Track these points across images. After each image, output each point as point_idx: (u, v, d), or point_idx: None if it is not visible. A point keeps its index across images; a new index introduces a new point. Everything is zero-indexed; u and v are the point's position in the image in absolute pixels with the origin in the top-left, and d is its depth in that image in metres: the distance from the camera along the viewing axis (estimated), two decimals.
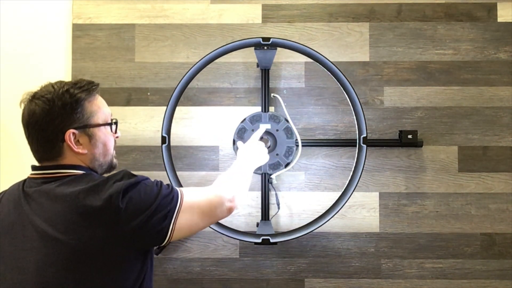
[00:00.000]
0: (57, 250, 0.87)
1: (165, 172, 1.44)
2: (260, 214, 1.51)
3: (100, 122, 1.00)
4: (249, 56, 1.58)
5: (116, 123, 1.05)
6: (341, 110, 1.59)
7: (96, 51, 1.61)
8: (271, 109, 1.56)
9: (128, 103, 1.61)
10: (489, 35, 1.60)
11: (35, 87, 0.99)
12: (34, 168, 0.99)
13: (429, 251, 1.57)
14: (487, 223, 1.57)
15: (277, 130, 1.49)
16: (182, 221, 0.96)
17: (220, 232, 1.43)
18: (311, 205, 1.58)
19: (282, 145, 1.49)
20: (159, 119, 1.51)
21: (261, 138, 1.50)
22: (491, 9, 1.60)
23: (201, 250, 1.58)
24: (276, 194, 1.55)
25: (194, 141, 1.60)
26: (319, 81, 1.60)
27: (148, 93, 1.61)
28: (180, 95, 1.45)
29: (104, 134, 1.01)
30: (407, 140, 1.53)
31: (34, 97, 0.95)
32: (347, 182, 1.44)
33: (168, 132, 1.45)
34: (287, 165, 1.49)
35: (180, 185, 1.45)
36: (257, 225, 1.49)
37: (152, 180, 0.98)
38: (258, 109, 1.55)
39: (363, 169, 1.42)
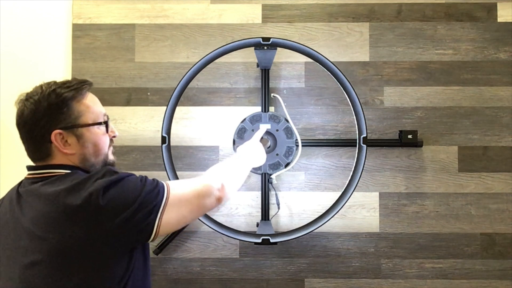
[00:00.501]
0: (41, 249, 0.88)
1: (165, 172, 1.44)
2: (260, 214, 1.51)
3: (89, 121, 0.98)
4: (249, 56, 1.58)
5: (106, 122, 1.02)
6: (341, 110, 1.59)
7: (96, 51, 1.61)
8: (271, 109, 1.56)
9: (128, 103, 1.61)
10: (489, 35, 1.60)
11: (33, 87, 0.99)
12: (28, 168, 1.00)
13: (429, 251, 1.57)
14: (487, 223, 1.57)
15: (277, 130, 1.49)
16: (169, 215, 0.94)
17: (220, 232, 1.43)
18: (311, 205, 1.58)
19: (282, 145, 1.49)
20: (159, 119, 1.51)
21: (261, 138, 1.50)
22: (491, 9, 1.60)
23: (201, 250, 1.58)
24: (276, 194, 1.55)
25: (194, 141, 1.60)
26: (319, 81, 1.60)
27: (148, 93, 1.61)
28: (180, 95, 1.45)
29: (94, 134, 0.99)
30: (407, 140, 1.53)
31: (25, 99, 0.97)
32: (347, 182, 1.44)
33: (168, 132, 1.45)
34: (287, 165, 1.49)
35: None
36: (257, 225, 1.49)
37: (137, 175, 0.97)
38: (258, 109, 1.55)
39: (363, 169, 1.42)
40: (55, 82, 0.98)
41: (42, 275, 0.88)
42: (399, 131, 1.56)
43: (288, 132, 1.50)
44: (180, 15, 1.62)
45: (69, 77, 1.60)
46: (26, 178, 0.99)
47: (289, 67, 1.61)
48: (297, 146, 1.49)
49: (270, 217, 1.51)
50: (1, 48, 1.61)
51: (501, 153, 1.58)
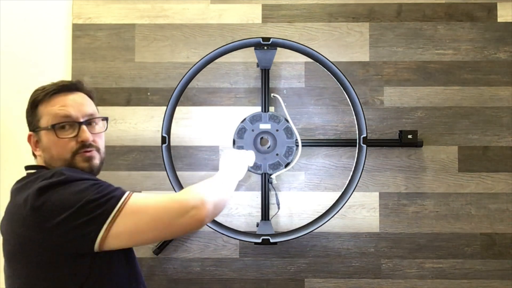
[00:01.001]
0: (4, 247, 0.93)
1: (165, 172, 1.44)
2: (260, 214, 1.51)
3: (43, 125, 0.96)
4: (249, 56, 1.58)
5: (60, 126, 0.95)
6: (341, 110, 1.59)
7: (96, 51, 1.61)
8: (271, 109, 1.56)
9: (128, 103, 1.61)
10: (489, 35, 1.60)
11: (35, 87, 1.01)
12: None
13: (429, 251, 1.57)
14: (487, 223, 1.57)
15: (277, 130, 1.49)
16: (121, 227, 0.84)
17: (220, 232, 1.43)
18: (311, 205, 1.58)
19: (282, 145, 1.49)
20: (159, 119, 1.51)
21: (261, 139, 1.50)
22: (491, 9, 1.60)
23: (201, 250, 1.58)
24: (276, 194, 1.55)
25: (194, 141, 1.60)
26: (319, 81, 1.60)
27: (148, 93, 1.61)
28: (180, 95, 1.45)
29: (47, 139, 0.96)
30: (407, 140, 1.53)
31: None
32: (347, 182, 1.44)
33: (168, 132, 1.45)
34: (287, 165, 1.49)
35: (181, 186, 1.45)
36: (257, 225, 1.49)
37: (96, 182, 0.89)
38: (258, 109, 1.55)
39: (363, 169, 1.42)
40: (43, 86, 1.00)
41: (6, 276, 0.93)
42: (399, 131, 1.56)
43: (288, 132, 1.50)
44: (180, 15, 1.62)
45: (69, 77, 1.60)
46: None
47: (289, 67, 1.60)
48: (297, 146, 1.49)
49: (270, 217, 1.51)
50: (1, 48, 1.61)
51: (501, 153, 1.58)
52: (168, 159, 1.44)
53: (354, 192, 1.43)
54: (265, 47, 1.46)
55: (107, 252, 0.88)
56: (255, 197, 1.58)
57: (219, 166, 1.27)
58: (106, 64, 1.61)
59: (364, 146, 1.42)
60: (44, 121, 0.96)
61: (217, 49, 1.45)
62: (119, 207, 0.85)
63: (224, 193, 1.03)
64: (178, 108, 1.47)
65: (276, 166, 1.49)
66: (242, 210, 1.59)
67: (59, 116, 0.95)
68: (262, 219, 1.49)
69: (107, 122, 1.05)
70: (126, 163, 1.59)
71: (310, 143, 1.57)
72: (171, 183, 1.44)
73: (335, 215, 1.43)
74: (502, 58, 1.59)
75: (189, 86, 1.47)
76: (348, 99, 1.44)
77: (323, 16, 1.61)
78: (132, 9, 1.62)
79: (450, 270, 1.57)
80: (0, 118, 1.60)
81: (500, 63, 1.59)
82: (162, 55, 1.61)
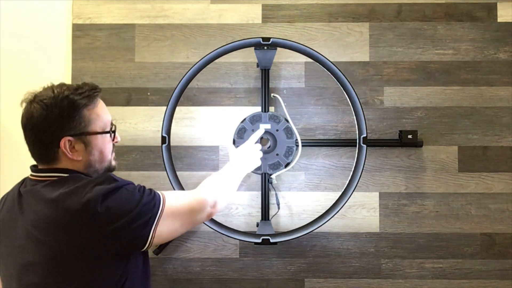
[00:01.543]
0: (38, 250, 0.89)
1: (165, 172, 1.44)
2: (260, 214, 1.51)
3: (98, 130, 0.99)
4: (249, 56, 1.58)
5: (114, 131, 1.04)
6: (341, 110, 1.59)
7: (96, 51, 1.61)
8: (271, 109, 1.56)
9: (128, 103, 1.61)
10: (489, 35, 1.60)
11: (35, 87, 0.99)
12: (32, 169, 1.00)
13: (429, 251, 1.57)
14: (487, 223, 1.57)
15: (277, 130, 1.49)
16: (163, 227, 0.95)
17: (220, 232, 1.43)
18: (311, 205, 1.58)
19: (282, 145, 1.49)
20: (159, 119, 1.51)
21: (261, 138, 1.50)
22: (491, 9, 1.60)
23: (201, 250, 1.58)
24: (276, 194, 1.55)
25: (194, 141, 1.60)
26: (319, 81, 1.60)
27: (148, 93, 1.61)
28: (180, 95, 1.45)
29: (101, 142, 1.00)
30: (407, 140, 1.53)
31: (34, 100, 0.95)
32: (347, 182, 1.44)
33: (168, 132, 1.45)
34: (287, 165, 1.49)
35: (181, 186, 1.45)
36: (257, 225, 1.49)
37: (135, 184, 0.98)
38: (258, 109, 1.55)
39: (363, 169, 1.42)
40: (67, 87, 0.97)
41: (38, 276, 0.89)
42: (399, 131, 1.56)
43: (288, 132, 1.50)
44: (180, 15, 1.62)
45: (69, 77, 1.60)
46: (29, 179, 0.99)
47: (289, 67, 1.60)
48: (297, 146, 1.49)
49: (270, 217, 1.51)
50: (1, 48, 1.61)
51: (501, 153, 1.58)
52: (168, 159, 1.44)
53: (354, 192, 1.43)
54: (265, 47, 1.46)
55: (133, 252, 0.96)
56: (255, 197, 1.58)
57: (230, 157, 1.33)
58: (106, 64, 1.61)
59: (364, 146, 1.42)
60: (95, 126, 0.98)
61: (217, 49, 1.45)
62: (162, 209, 0.96)
63: (232, 191, 1.21)
64: (178, 108, 1.47)
65: (276, 166, 1.49)
66: (242, 210, 1.59)
67: (109, 121, 1.03)
68: (262, 219, 1.49)
69: None
70: (126, 163, 1.59)
71: (310, 143, 1.57)
72: (171, 183, 1.44)
73: (335, 215, 1.43)
74: (502, 58, 1.59)
75: (189, 86, 1.47)
76: (348, 99, 1.44)
77: (323, 16, 1.61)
78: (132, 9, 1.62)
79: (450, 270, 1.57)
80: (0, 118, 1.60)
81: (500, 63, 1.59)
82: (162, 55, 1.61)
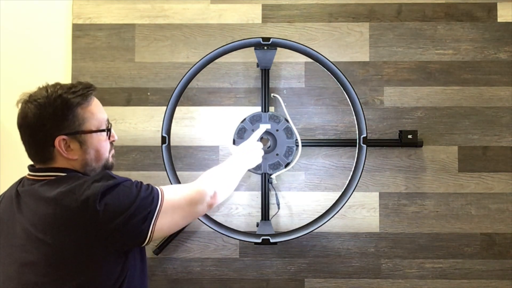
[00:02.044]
0: (38, 249, 0.89)
1: (165, 172, 1.44)
2: (260, 214, 1.51)
3: (93, 128, 0.98)
4: (249, 56, 1.58)
5: (109, 129, 1.03)
6: (341, 110, 1.59)
7: (96, 51, 1.61)
8: (271, 109, 1.56)
9: (128, 103, 1.61)
10: (489, 35, 1.60)
11: (35, 87, 0.99)
12: (29, 169, 1.00)
13: (429, 251, 1.57)
14: (487, 223, 1.57)
15: (277, 130, 1.49)
16: (163, 221, 0.96)
17: (220, 232, 1.43)
18: (311, 205, 1.58)
19: (282, 145, 1.49)
20: (159, 119, 1.51)
21: (261, 138, 1.50)
22: (491, 9, 1.60)
23: (201, 250, 1.58)
24: (276, 194, 1.55)
25: (194, 141, 1.60)
26: (319, 81, 1.60)
27: (148, 93, 1.61)
28: (180, 95, 1.45)
29: (96, 140, 0.99)
30: (407, 140, 1.53)
31: (28, 100, 0.96)
32: (347, 182, 1.44)
33: (168, 132, 1.45)
34: (287, 165, 1.49)
35: None
36: (257, 225, 1.49)
37: (133, 180, 0.98)
38: (258, 109, 1.55)
39: (363, 169, 1.42)
40: (60, 86, 0.97)
41: (38, 275, 0.89)
42: (399, 131, 1.56)
43: (288, 132, 1.50)
44: (180, 15, 1.62)
45: (69, 77, 1.60)
46: (26, 178, 0.99)
47: (289, 67, 1.61)
48: (297, 146, 1.49)
49: (270, 217, 1.51)
50: (1, 48, 1.61)
51: (501, 153, 1.58)
52: (168, 159, 1.44)
53: (354, 192, 1.43)
54: (265, 47, 1.46)
55: (132, 249, 0.96)
56: (255, 197, 1.58)
57: (232, 152, 1.33)
58: (106, 64, 1.61)
59: (364, 146, 1.42)
60: (90, 125, 0.97)
61: (217, 49, 1.45)
62: (160, 203, 0.96)
63: (233, 184, 1.20)
64: (178, 108, 1.47)
65: (276, 166, 1.49)
66: (242, 210, 1.59)
67: (105, 120, 1.02)
68: (262, 219, 1.49)
69: None
70: (126, 163, 1.59)
71: (310, 143, 1.57)
72: (171, 183, 1.44)
73: (335, 215, 1.43)
74: (502, 58, 1.59)
75: (189, 86, 1.47)
76: (348, 99, 1.44)
77: (323, 16, 1.61)
78: (132, 9, 1.62)
79: (450, 270, 1.57)
80: (0, 118, 1.60)
81: (500, 63, 1.59)
82: (162, 55, 1.61)
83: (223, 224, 1.46)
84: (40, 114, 0.94)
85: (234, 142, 1.49)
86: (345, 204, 1.43)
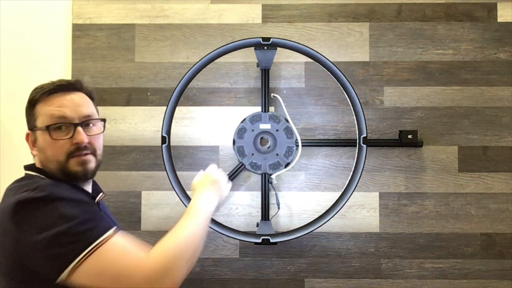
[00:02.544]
0: None
1: (165, 172, 1.44)
2: (260, 214, 1.51)
3: (39, 125, 0.93)
4: (249, 56, 1.58)
5: (56, 127, 0.91)
6: (341, 110, 1.59)
7: (96, 51, 1.61)
8: (271, 109, 1.56)
9: (128, 103, 1.61)
10: (489, 35, 1.60)
11: (34, 87, 1.00)
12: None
13: (429, 251, 1.57)
14: (487, 223, 1.57)
15: (277, 130, 1.49)
16: (86, 270, 0.77)
17: (220, 232, 1.43)
18: (311, 205, 1.58)
19: (282, 145, 1.49)
20: (159, 119, 1.51)
21: (261, 139, 1.50)
22: (491, 9, 1.60)
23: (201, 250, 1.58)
24: (276, 194, 1.55)
25: (194, 141, 1.60)
26: (319, 81, 1.60)
27: (148, 93, 1.61)
28: (180, 95, 1.45)
29: (42, 139, 0.93)
30: (407, 140, 1.53)
31: None
32: (347, 182, 1.44)
33: (168, 132, 1.45)
34: (287, 165, 1.49)
35: (181, 186, 1.45)
36: (257, 225, 1.49)
37: (82, 207, 0.84)
38: (258, 109, 1.55)
39: (363, 169, 1.42)
40: (46, 83, 0.97)
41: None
42: (399, 131, 1.56)
43: (288, 132, 1.50)
44: (180, 15, 1.62)
45: (69, 77, 1.60)
46: None
47: (289, 67, 1.60)
48: (297, 146, 1.49)
49: (270, 217, 1.51)
50: (1, 48, 1.61)
51: (501, 153, 1.58)
52: (168, 159, 1.44)
53: (354, 192, 1.43)
54: (265, 47, 1.46)
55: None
56: (255, 197, 1.58)
57: (192, 196, 1.11)
58: (106, 64, 1.61)
59: (364, 146, 1.42)
60: (40, 121, 0.93)
61: (217, 49, 1.45)
62: (91, 249, 0.78)
63: (197, 246, 0.92)
64: (178, 108, 1.47)
65: (276, 166, 1.49)
66: (242, 210, 1.59)
67: (54, 117, 0.92)
68: (262, 219, 1.49)
69: (104, 124, 1.00)
70: (126, 163, 1.59)
71: (310, 143, 1.57)
72: (171, 183, 1.44)
73: (335, 215, 1.43)
74: (502, 58, 1.59)
75: (189, 86, 1.47)
76: (348, 99, 1.44)
77: (323, 16, 1.61)
78: (132, 9, 1.62)
79: (450, 270, 1.57)
80: (0, 118, 1.60)
81: (500, 63, 1.59)
82: (162, 55, 1.61)
83: (223, 224, 1.46)
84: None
85: (234, 143, 1.49)
86: (345, 204, 1.43)
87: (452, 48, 1.60)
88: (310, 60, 1.47)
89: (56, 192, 0.84)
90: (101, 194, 1.04)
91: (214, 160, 1.59)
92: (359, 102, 1.43)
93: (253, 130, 1.48)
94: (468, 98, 1.59)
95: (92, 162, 0.94)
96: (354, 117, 1.44)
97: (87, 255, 0.78)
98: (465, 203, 1.57)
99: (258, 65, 1.54)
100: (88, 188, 1.00)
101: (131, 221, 1.57)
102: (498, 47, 1.59)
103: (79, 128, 0.92)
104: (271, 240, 1.42)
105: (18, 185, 0.89)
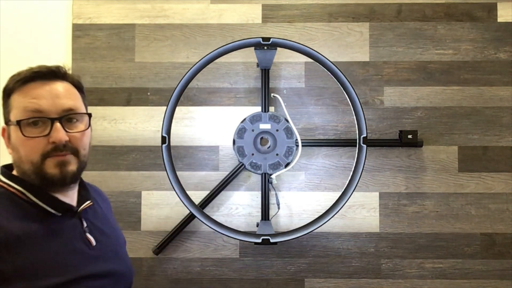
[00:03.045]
0: None
1: (165, 172, 1.44)
2: (260, 214, 1.51)
3: (11, 119, 0.78)
4: (249, 56, 1.58)
5: (29, 122, 0.76)
6: (341, 110, 1.59)
7: (96, 51, 1.61)
8: (271, 109, 1.56)
9: (128, 103, 1.61)
10: (489, 35, 1.60)
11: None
12: None
13: (429, 251, 1.57)
14: (487, 223, 1.57)
15: (277, 130, 1.49)
16: None
17: (220, 232, 1.43)
18: (311, 205, 1.58)
19: (282, 145, 1.49)
20: (159, 119, 1.51)
21: (261, 139, 1.50)
22: (491, 9, 1.60)
23: (201, 250, 1.58)
24: (276, 194, 1.55)
25: (194, 141, 1.60)
26: (319, 81, 1.60)
27: (148, 93, 1.61)
28: (180, 95, 1.45)
29: (15, 136, 0.77)
30: (407, 140, 1.53)
31: None
32: (347, 182, 1.44)
33: (168, 132, 1.45)
34: (287, 165, 1.49)
35: (181, 186, 1.44)
36: (257, 225, 1.49)
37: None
38: (258, 109, 1.55)
39: (363, 169, 1.42)
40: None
41: None
42: (399, 131, 1.56)
43: (288, 132, 1.50)
44: (180, 15, 1.62)
45: None
46: None
47: (289, 67, 1.61)
48: (297, 146, 1.49)
49: (270, 217, 1.51)
50: (1, 48, 1.61)
51: (501, 153, 1.58)
52: (168, 159, 1.44)
53: (354, 192, 1.43)
54: (265, 47, 1.46)
55: None
56: (255, 197, 1.58)
57: None
58: (106, 64, 1.61)
59: (364, 146, 1.42)
60: (13, 115, 0.78)
61: (217, 49, 1.45)
62: None
63: None
64: (178, 108, 1.47)
65: (276, 166, 1.49)
66: (242, 210, 1.59)
67: (28, 110, 0.76)
68: (262, 219, 1.49)
69: (90, 119, 0.83)
70: (126, 163, 1.59)
71: (310, 143, 1.57)
72: (171, 183, 1.44)
73: (335, 215, 1.43)
74: (502, 58, 1.59)
75: (189, 86, 1.47)
76: (348, 99, 1.44)
77: (323, 16, 1.61)
78: (132, 9, 1.62)
79: (450, 270, 1.57)
80: (0, 118, 1.60)
81: (500, 63, 1.59)
82: (162, 55, 1.61)
83: (223, 224, 1.46)
84: None
85: (234, 142, 1.49)
86: (345, 204, 1.43)
87: (452, 48, 1.60)
88: (310, 60, 1.47)
89: None
90: (87, 202, 0.86)
91: (214, 160, 1.59)
92: (359, 102, 1.43)
93: (253, 130, 1.48)
94: (468, 98, 1.59)
95: (72, 164, 0.78)
96: (354, 117, 1.44)
97: None
98: (465, 203, 1.57)
99: (258, 65, 1.54)
100: (71, 195, 0.83)
101: (131, 221, 1.57)
102: (498, 47, 1.59)
103: (57, 124, 0.76)
104: (271, 240, 1.42)
105: None
